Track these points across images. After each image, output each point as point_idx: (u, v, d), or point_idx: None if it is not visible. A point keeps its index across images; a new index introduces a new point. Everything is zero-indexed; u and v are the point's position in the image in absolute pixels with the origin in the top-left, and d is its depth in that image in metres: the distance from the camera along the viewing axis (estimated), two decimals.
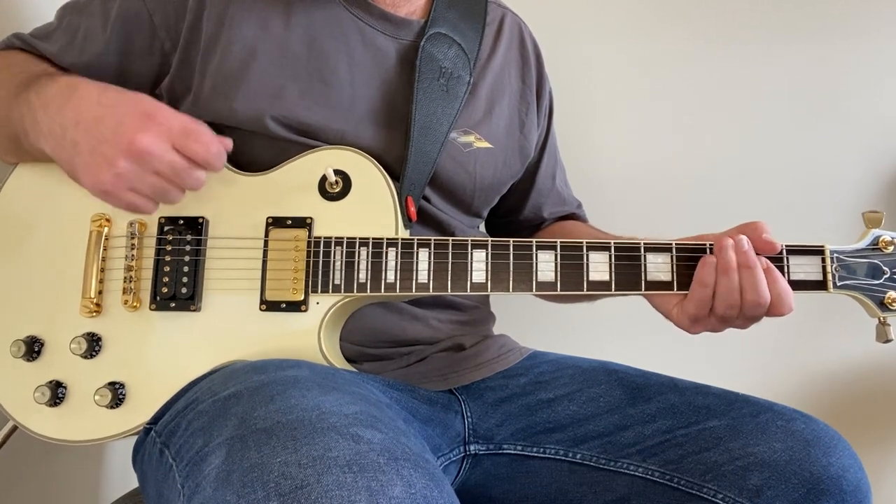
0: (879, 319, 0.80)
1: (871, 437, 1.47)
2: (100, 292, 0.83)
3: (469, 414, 0.92)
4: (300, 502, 0.50)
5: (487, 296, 1.07)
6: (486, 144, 0.96)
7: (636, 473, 0.87)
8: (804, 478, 0.78)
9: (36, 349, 0.83)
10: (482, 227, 1.12)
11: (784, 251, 0.79)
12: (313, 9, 0.90)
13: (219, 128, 0.87)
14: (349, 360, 0.86)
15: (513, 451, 0.91)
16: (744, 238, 0.77)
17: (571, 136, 1.25)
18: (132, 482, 0.86)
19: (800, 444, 0.81)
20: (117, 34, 0.88)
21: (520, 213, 1.12)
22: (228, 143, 0.77)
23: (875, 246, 0.80)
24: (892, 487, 1.48)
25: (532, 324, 1.29)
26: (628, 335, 1.38)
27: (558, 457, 0.89)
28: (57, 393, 0.81)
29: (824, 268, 0.79)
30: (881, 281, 0.79)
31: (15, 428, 0.86)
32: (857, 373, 1.47)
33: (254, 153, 0.87)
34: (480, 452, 0.91)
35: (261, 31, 0.87)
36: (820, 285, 0.79)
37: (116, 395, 0.80)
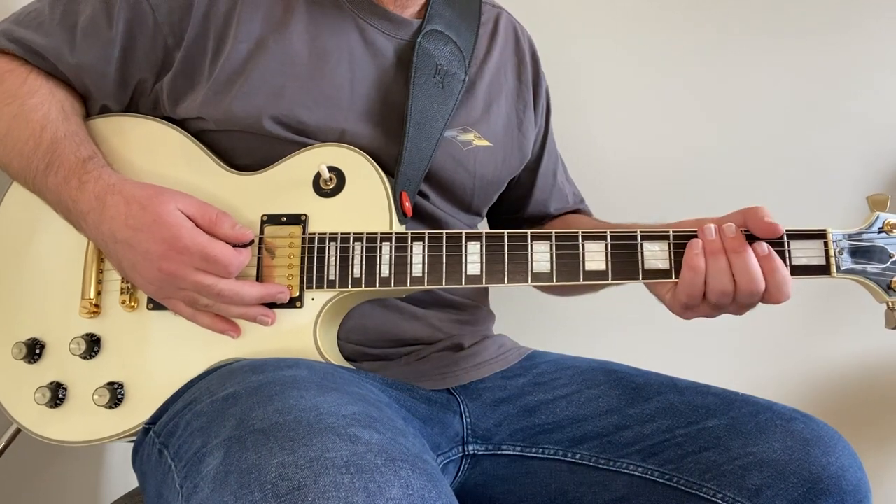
0: (888, 304, 0.78)
1: (871, 436, 1.47)
2: (98, 293, 0.83)
3: (468, 414, 0.92)
4: (297, 503, 0.50)
5: (487, 294, 1.07)
6: (485, 143, 0.96)
7: (636, 473, 0.87)
8: (804, 477, 0.78)
9: (37, 351, 0.83)
10: (480, 227, 1.11)
11: (785, 236, 0.77)
12: (316, 7, 0.90)
13: (216, 131, 0.87)
14: (349, 359, 0.86)
15: (512, 452, 0.91)
16: (732, 224, 0.76)
17: (572, 132, 1.25)
18: (132, 482, 0.86)
19: (799, 444, 0.81)
20: (119, 29, 0.86)
21: (523, 210, 1.13)
22: (249, 237, 0.80)
23: (881, 229, 0.78)
24: (892, 487, 1.48)
25: (531, 323, 1.29)
26: (628, 335, 1.38)
27: (557, 457, 0.89)
28: (57, 394, 0.81)
29: (827, 252, 0.77)
30: (888, 264, 0.77)
31: (18, 432, 0.86)
32: (856, 372, 1.47)
33: (250, 155, 0.86)
34: (479, 453, 0.91)
35: (266, 29, 0.87)
36: (822, 270, 0.77)
37: (115, 395, 0.80)
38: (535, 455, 0.90)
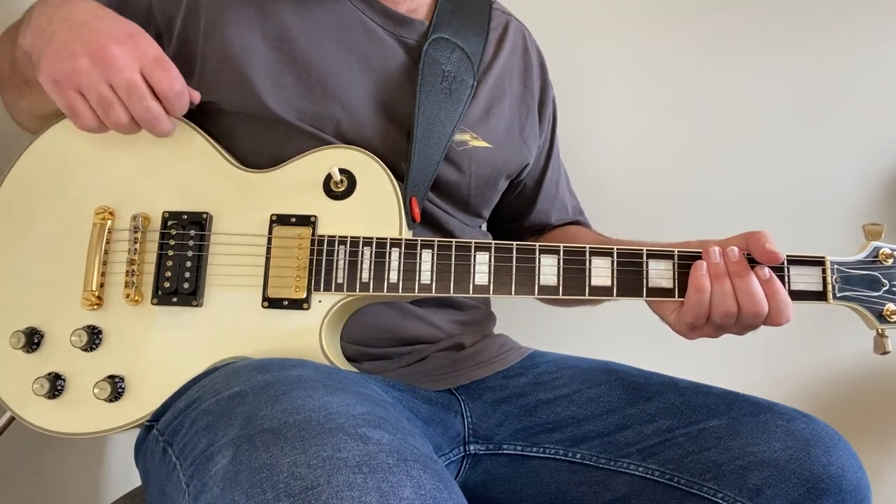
0: (878, 331, 0.80)
1: (871, 437, 1.48)
2: (101, 285, 0.83)
3: (469, 414, 0.92)
4: (310, 503, 0.50)
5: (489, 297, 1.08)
6: (483, 143, 0.96)
7: (636, 473, 0.87)
8: (804, 477, 0.79)
9: (35, 340, 0.82)
10: (483, 228, 1.12)
11: (785, 261, 0.79)
12: None
13: (221, 113, 0.87)
14: (350, 359, 0.86)
15: (512, 451, 0.91)
16: (735, 248, 0.78)
17: (573, 139, 1.25)
18: (133, 480, 0.86)
19: (800, 444, 0.81)
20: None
21: (525, 218, 1.14)
22: (196, 95, 0.80)
23: (875, 258, 0.81)
24: (892, 487, 1.49)
25: (532, 324, 1.29)
26: (628, 335, 1.38)
27: (558, 456, 0.90)
28: (56, 385, 0.81)
29: (824, 279, 0.80)
30: (880, 293, 0.80)
31: (11, 419, 0.85)
32: (857, 373, 1.48)
33: (253, 141, 0.87)
34: (480, 452, 0.92)
35: (260, 16, 0.87)
36: (820, 296, 0.80)
37: (116, 388, 0.80)
38: (535, 454, 0.90)
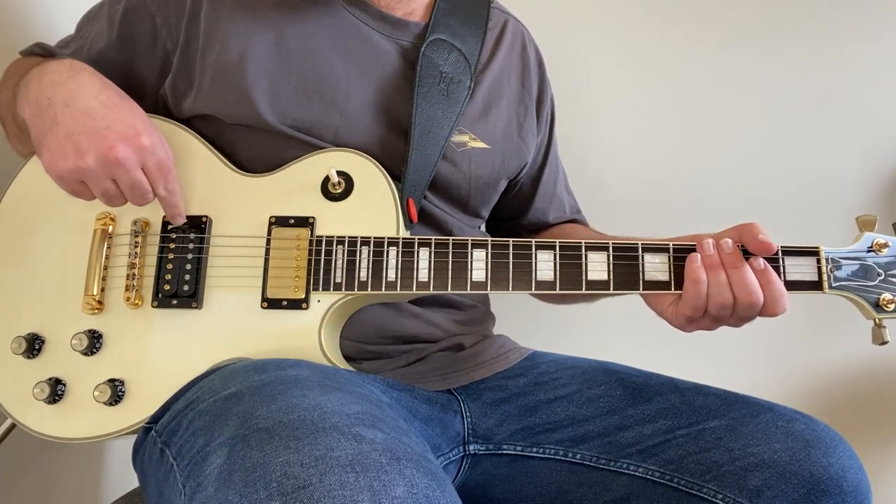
0: (875, 321, 0.81)
1: (870, 437, 1.48)
2: (102, 290, 0.83)
3: (468, 414, 0.92)
4: (303, 502, 0.50)
5: (487, 295, 1.08)
6: (481, 144, 0.96)
7: (636, 473, 0.87)
8: (804, 478, 0.78)
9: (36, 346, 0.83)
10: (483, 228, 1.12)
11: (780, 252, 0.80)
12: (309, 6, 0.91)
13: (217, 124, 0.88)
14: (349, 357, 0.87)
15: (512, 452, 0.91)
16: (728, 240, 0.78)
17: (572, 137, 1.25)
18: (132, 482, 0.86)
19: (800, 445, 0.81)
20: (121, 34, 0.90)
21: (523, 217, 1.14)
22: (181, 220, 0.83)
23: (869, 248, 0.81)
24: (892, 487, 1.48)
25: (532, 324, 1.29)
26: (628, 335, 1.38)
27: (558, 457, 0.89)
28: (56, 390, 0.81)
29: (819, 269, 0.80)
30: (876, 282, 0.80)
31: (12, 426, 0.85)
32: (857, 373, 1.47)
33: (252, 149, 0.87)
34: (480, 452, 0.92)
35: (256, 26, 0.88)
36: (815, 286, 0.80)
37: (116, 391, 0.80)
38: (535, 455, 0.90)
